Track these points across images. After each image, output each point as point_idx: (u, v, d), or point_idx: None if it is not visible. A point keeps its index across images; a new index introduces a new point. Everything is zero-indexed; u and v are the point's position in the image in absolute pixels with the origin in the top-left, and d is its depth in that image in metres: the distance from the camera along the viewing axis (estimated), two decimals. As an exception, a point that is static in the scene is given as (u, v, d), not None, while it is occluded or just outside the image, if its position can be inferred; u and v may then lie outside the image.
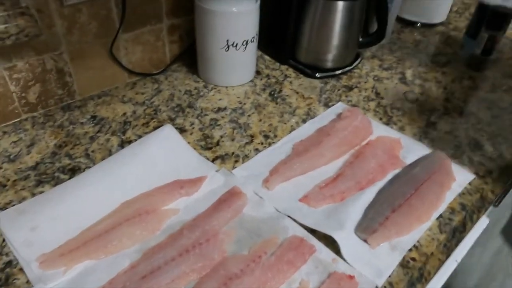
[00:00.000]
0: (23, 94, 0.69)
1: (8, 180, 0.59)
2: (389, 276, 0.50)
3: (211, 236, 0.52)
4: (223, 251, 0.51)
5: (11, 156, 0.63)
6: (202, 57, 0.81)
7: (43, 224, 0.51)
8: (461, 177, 0.64)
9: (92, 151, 0.65)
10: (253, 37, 0.78)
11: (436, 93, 0.85)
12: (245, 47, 0.78)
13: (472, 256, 0.69)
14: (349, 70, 0.90)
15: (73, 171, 0.61)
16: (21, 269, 0.48)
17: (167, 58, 0.86)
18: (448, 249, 0.56)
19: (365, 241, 0.54)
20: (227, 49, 0.76)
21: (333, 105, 0.79)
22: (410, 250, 0.53)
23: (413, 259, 0.53)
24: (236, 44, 0.76)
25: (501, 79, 0.91)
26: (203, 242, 0.51)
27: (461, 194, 0.62)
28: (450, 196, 0.61)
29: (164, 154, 0.63)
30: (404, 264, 0.52)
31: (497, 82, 0.90)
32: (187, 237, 0.51)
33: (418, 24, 1.10)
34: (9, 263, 0.49)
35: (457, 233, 0.58)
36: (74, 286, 0.46)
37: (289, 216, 0.56)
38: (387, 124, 0.75)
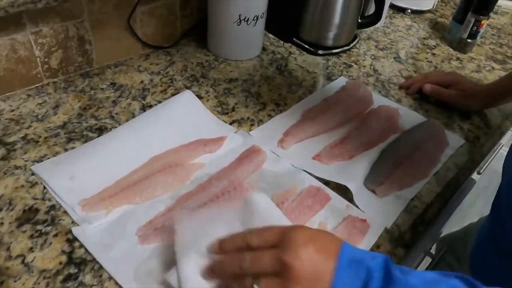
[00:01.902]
0: (46, 60, 0.71)
1: (40, 137, 0.62)
2: (396, 220, 0.57)
3: (237, 185, 0.57)
4: (248, 198, 0.56)
5: (39, 116, 0.66)
6: (213, 31, 0.85)
7: (81, 174, 0.55)
8: (454, 142, 0.72)
9: (116, 113, 0.69)
10: (263, 13, 0.83)
11: (427, 71, 0.92)
12: (256, 22, 0.82)
13: (465, 203, 0.78)
14: (349, 49, 0.96)
15: (101, 130, 0.65)
16: (64, 212, 0.52)
17: (178, 32, 0.90)
18: (444, 199, 0.63)
19: (373, 191, 0.60)
20: (239, 23, 0.81)
21: (336, 79, 0.85)
22: (413, 199, 0.60)
23: (415, 206, 0.60)
24: (248, 19, 0.81)
25: (485, 60, 1.00)
26: (230, 190, 0.56)
27: (454, 156, 0.69)
28: (444, 157, 0.68)
29: (185, 116, 0.67)
30: (408, 210, 0.59)
31: (481, 64, 0.98)
32: (215, 186, 0.56)
33: (409, 11, 1.18)
34: (52, 207, 0.53)
35: (452, 186, 0.65)
36: (117, 225, 0.50)
37: (304, 171, 0.62)
38: (385, 96, 0.82)
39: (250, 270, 0.38)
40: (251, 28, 0.83)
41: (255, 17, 0.82)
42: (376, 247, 0.53)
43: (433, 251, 0.85)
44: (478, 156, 0.72)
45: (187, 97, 0.70)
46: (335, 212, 0.56)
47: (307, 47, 0.93)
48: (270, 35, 0.98)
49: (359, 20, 0.95)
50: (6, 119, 0.65)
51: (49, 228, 0.50)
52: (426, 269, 0.78)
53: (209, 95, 0.76)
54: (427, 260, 0.81)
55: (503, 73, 0.94)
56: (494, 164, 0.92)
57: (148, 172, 0.56)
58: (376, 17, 0.95)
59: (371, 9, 1.02)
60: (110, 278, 0.46)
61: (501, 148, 1.02)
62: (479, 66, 0.97)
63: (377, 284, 0.33)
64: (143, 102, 0.72)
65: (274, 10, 0.92)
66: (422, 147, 0.68)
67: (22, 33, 0.66)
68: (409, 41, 1.04)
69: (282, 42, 0.96)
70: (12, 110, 0.67)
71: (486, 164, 0.92)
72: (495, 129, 0.78)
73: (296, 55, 0.92)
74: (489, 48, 1.06)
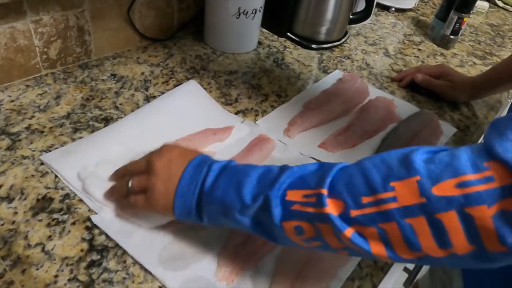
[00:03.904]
0: (45, 49, 0.70)
1: (45, 127, 0.61)
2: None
3: (251, 171, 0.58)
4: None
5: (41, 107, 0.65)
6: (211, 24, 0.86)
7: (93, 163, 0.54)
8: (447, 130, 0.76)
9: (120, 104, 0.68)
10: (261, 7, 0.84)
11: (415, 65, 0.96)
12: (254, 16, 0.84)
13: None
14: (340, 44, 0.99)
15: (107, 120, 0.64)
16: (80, 200, 0.51)
17: (175, 25, 0.89)
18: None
19: (379, 176, 0.62)
20: (238, 16, 0.82)
21: (331, 72, 0.87)
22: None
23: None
24: (247, 12, 0.82)
25: (467, 56, 1.05)
26: (244, 177, 0.57)
27: (448, 143, 0.73)
28: (440, 144, 0.72)
29: (192, 105, 0.68)
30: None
31: (463, 59, 1.04)
32: (230, 173, 0.57)
33: (393, 9, 1.22)
34: (67, 196, 0.52)
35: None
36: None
37: (312, 158, 0.64)
38: (380, 88, 0.85)
39: (129, 169, 0.49)
40: (249, 21, 0.84)
41: (254, 11, 0.83)
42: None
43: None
44: (470, 144, 0.76)
45: (192, 86, 0.71)
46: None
47: (301, 41, 0.95)
48: (265, 30, 0.99)
49: (351, 16, 0.98)
50: (7, 109, 0.63)
51: (66, 216, 0.49)
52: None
53: (211, 87, 0.76)
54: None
55: (484, 68, 1.00)
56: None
57: (163, 159, 0.56)
58: (366, 13, 0.99)
59: (359, 6, 1.05)
60: (135, 263, 0.46)
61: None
62: (462, 61, 1.02)
63: (214, 174, 0.41)
64: (146, 93, 0.72)
65: (268, 5, 0.93)
66: (419, 135, 0.71)
67: (22, 22, 0.65)
68: (395, 37, 1.08)
69: (276, 37, 0.98)
70: (12, 101, 0.65)
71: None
72: (482, 119, 0.83)
73: (291, 49, 0.94)
74: (469, 45, 1.12)
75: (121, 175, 0.50)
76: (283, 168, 0.40)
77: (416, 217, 0.30)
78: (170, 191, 0.42)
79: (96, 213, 0.50)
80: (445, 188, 0.29)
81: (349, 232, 0.33)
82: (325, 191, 0.34)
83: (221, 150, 0.62)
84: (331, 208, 0.34)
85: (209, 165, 0.42)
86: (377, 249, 0.33)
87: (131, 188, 0.46)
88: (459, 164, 0.30)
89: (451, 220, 0.29)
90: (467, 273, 0.67)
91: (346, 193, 0.33)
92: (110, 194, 0.50)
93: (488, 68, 0.85)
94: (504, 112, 0.98)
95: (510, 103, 0.91)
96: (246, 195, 0.38)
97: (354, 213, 0.33)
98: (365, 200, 0.32)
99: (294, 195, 0.36)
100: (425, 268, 0.86)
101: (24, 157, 0.56)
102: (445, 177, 0.29)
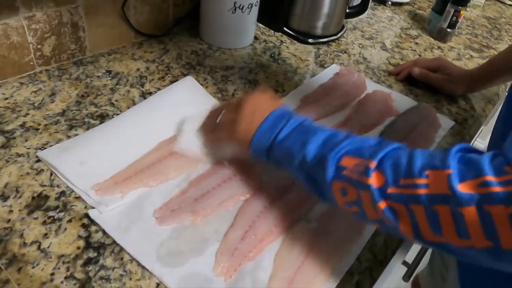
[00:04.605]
0: (39, 46, 0.69)
1: (39, 124, 0.60)
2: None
3: (249, 166, 0.57)
4: (260, 180, 0.57)
5: (36, 104, 0.64)
6: (207, 20, 0.85)
7: (90, 159, 0.54)
8: (445, 123, 0.75)
9: (116, 101, 0.67)
10: (257, 1, 0.84)
11: (412, 59, 0.96)
12: (250, 10, 0.83)
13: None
14: (337, 38, 0.98)
15: (102, 117, 0.64)
16: (76, 197, 0.51)
17: (170, 21, 0.89)
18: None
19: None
20: (234, 11, 0.81)
21: (328, 66, 0.87)
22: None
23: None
24: (242, 7, 0.81)
25: (464, 49, 1.05)
26: (242, 172, 0.56)
27: (446, 136, 0.73)
28: (438, 137, 0.72)
29: (190, 101, 0.67)
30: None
31: (460, 52, 1.03)
32: (228, 168, 0.56)
33: (389, 2, 1.22)
34: (63, 193, 0.51)
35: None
36: (133, 208, 0.50)
37: (310, 152, 0.63)
38: (377, 82, 0.85)
39: (221, 107, 0.57)
40: (245, 16, 0.83)
41: (250, 5, 0.82)
42: (386, 221, 0.55)
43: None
44: (467, 137, 0.76)
45: (189, 82, 0.70)
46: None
47: (298, 36, 0.95)
48: (261, 25, 0.99)
49: (347, 10, 0.98)
50: (1, 107, 0.62)
51: (62, 214, 0.49)
52: (420, 249, 0.82)
53: (207, 82, 0.76)
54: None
55: (481, 61, 0.99)
56: (478, 144, 0.97)
57: (160, 156, 0.56)
58: (363, 7, 0.98)
59: (355, 0, 1.05)
60: (132, 260, 0.45)
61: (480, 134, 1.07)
62: (459, 55, 1.02)
63: (288, 130, 0.47)
64: (142, 89, 0.71)
65: (264, 1, 0.93)
66: (416, 129, 0.71)
67: (15, 18, 0.64)
68: (392, 31, 1.08)
69: (272, 31, 0.97)
70: (6, 98, 0.64)
71: (472, 142, 0.97)
72: (480, 112, 0.82)
73: (288, 44, 0.93)
74: (466, 38, 1.12)
75: (213, 112, 0.58)
76: (348, 136, 0.44)
77: (442, 205, 0.33)
78: (251, 130, 0.49)
79: (94, 208, 0.49)
80: (469, 186, 0.32)
81: (383, 204, 0.37)
82: (373, 164, 0.38)
83: (218, 146, 0.61)
84: (373, 180, 0.37)
85: (287, 120, 0.48)
86: (405, 226, 0.36)
87: (222, 120, 0.55)
88: (483, 167, 0.32)
89: (471, 214, 0.31)
90: (462, 263, 0.67)
91: (389, 171, 0.37)
92: (201, 129, 0.58)
93: (485, 61, 0.85)
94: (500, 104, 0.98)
95: (505, 96, 0.91)
96: (309, 152, 0.43)
97: (390, 190, 0.36)
98: (402, 181, 0.36)
99: (348, 162, 0.40)
100: (424, 262, 0.86)
101: (19, 155, 0.55)
102: (470, 176, 0.32)
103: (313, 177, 0.44)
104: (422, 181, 0.34)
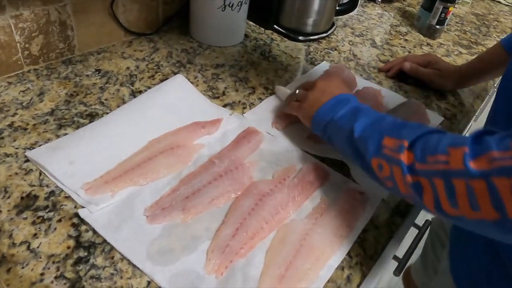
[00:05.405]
0: (27, 45, 0.68)
1: (28, 124, 0.60)
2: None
3: (239, 164, 0.58)
4: (250, 177, 0.57)
5: (24, 104, 0.63)
6: (197, 18, 0.85)
7: (80, 158, 0.54)
8: (434, 119, 0.76)
9: (106, 100, 0.67)
10: (247, -1, 0.84)
11: (402, 55, 0.96)
12: (240, 8, 0.83)
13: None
14: (327, 36, 0.99)
15: (92, 116, 0.63)
16: (66, 197, 0.50)
17: (160, 19, 0.88)
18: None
19: (367, 166, 0.63)
20: (223, 8, 0.81)
21: (319, 63, 0.87)
22: (404, 172, 0.63)
23: (407, 178, 0.63)
24: (232, 5, 0.81)
25: (453, 46, 1.06)
26: (233, 169, 0.57)
27: (436, 132, 0.74)
28: (427, 133, 0.72)
29: (180, 99, 0.67)
30: (401, 182, 0.62)
31: (449, 48, 1.04)
32: (218, 166, 0.57)
33: (379, 0, 1.22)
34: (52, 193, 0.51)
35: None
36: (124, 206, 0.50)
37: (301, 149, 0.63)
38: (367, 79, 0.85)
39: (302, 85, 0.66)
40: (235, 13, 0.83)
41: (239, 3, 0.82)
42: (376, 217, 0.56)
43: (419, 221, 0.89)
44: (457, 132, 0.77)
45: (179, 81, 0.70)
46: (334, 186, 0.58)
47: (288, 33, 0.95)
48: (251, 23, 0.99)
49: (337, 7, 0.98)
50: (-12, 107, 0.62)
51: (52, 214, 0.48)
52: (414, 239, 0.83)
53: (198, 80, 0.76)
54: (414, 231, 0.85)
55: (470, 57, 1.00)
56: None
57: (150, 154, 0.56)
58: (352, 4, 0.99)
59: (345, -2, 1.05)
60: (123, 258, 0.45)
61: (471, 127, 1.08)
62: (448, 51, 1.03)
63: (345, 111, 0.54)
64: (132, 88, 0.71)
65: (254, -2, 0.93)
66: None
67: (2, 17, 0.63)
68: (382, 28, 1.08)
69: (263, 29, 0.97)
70: (-6, 98, 0.63)
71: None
72: (469, 107, 0.83)
73: (278, 41, 0.94)
74: (455, 34, 1.13)
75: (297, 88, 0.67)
76: (394, 121, 0.50)
77: (458, 180, 0.37)
78: (315, 107, 0.57)
79: (84, 207, 0.49)
80: (479, 162, 0.36)
81: (410, 179, 0.41)
82: (407, 143, 0.43)
83: (209, 143, 0.61)
84: (405, 156, 0.42)
85: (346, 104, 0.55)
86: (427, 198, 0.40)
87: (298, 95, 0.63)
88: (491, 144, 0.36)
89: (480, 187, 0.35)
90: (454, 250, 0.68)
91: (419, 150, 0.42)
92: (285, 101, 0.69)
93: (474, 57, 0.86)
94: (490, 101, 0.99)
95: (495, 91, 0.92)
96: (357, 129, 0.50)
97: (418, 166, 0.41)
98: (429, 158, 0.40)
99: (388, 142, 0.45)
100: (415, 256, 0.86)
101: (7, 155, 0.55)
102: (480, 153, 0.36)
103: (358, 151, 0.50)
104: (443, 157, 0.39)
